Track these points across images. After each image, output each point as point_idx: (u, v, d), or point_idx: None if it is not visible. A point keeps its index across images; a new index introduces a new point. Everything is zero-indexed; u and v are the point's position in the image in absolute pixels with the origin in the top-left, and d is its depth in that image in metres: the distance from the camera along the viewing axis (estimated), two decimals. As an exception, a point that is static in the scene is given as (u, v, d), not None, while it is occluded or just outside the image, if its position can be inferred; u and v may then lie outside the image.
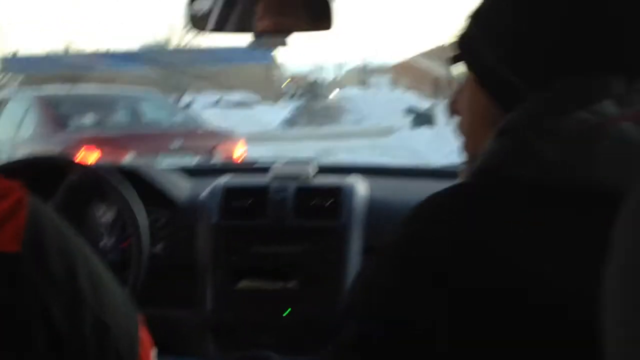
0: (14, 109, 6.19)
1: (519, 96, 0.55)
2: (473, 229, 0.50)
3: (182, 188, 1.64)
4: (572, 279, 0.47)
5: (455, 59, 0.65)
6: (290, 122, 18.66)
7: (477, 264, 0.48)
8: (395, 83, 27.30)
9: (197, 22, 1.35)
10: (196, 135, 6.25)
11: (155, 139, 5.87)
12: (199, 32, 1.40)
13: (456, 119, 0.68)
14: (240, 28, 1.38)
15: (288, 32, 1.37)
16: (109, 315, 0.53)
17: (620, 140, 0.50)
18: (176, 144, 5.74)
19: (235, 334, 1.43)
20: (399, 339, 0.49)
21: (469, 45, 0.61)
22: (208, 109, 17.32)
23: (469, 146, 0.65)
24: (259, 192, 1.54)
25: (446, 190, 0.56)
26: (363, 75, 31.41)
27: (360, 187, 1.57)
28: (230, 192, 1.55)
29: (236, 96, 21.13)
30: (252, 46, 1.36)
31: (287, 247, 1.47)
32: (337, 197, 1.51)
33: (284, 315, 1.42)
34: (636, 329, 0.29)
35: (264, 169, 1.75)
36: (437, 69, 20.19)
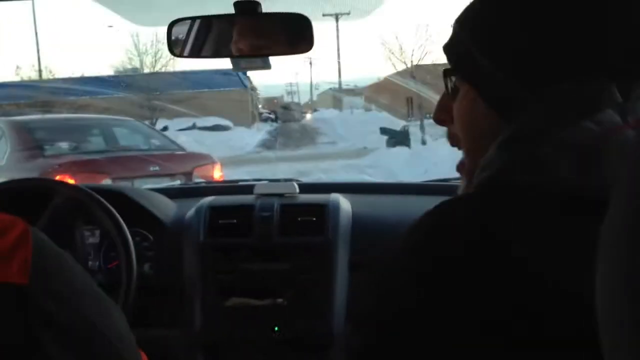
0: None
1: (519, 104, 0.55)
2: (490, 236, 0.50)
3: (167, 208, 1.65)
4: (587, 286, 0.46)
5: (450, 70, 0.64)
6: (266, 144, 18.68)
7: (492, 271, 0.48)
8: (369, 104, 27.53)
9: (176, 47, 1.38)
10: (174, 158, 6.22)
11: (132, 162, 5.83)
12: (177, 57, 1.43)
13: (447, 129, 0.67)
14: (218, 52, 1.41)
15: (266, 54, 1.41)
16: (115, 338, 0.55)
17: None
18: (154, 167, 5.72)
19: (226, 351, 1.43)
20: (413, 347, 0.49)
21: (464, 53, 0.60)
22: (183, 133, 17.29)
23: (468, 156, 0.64)
24: (245, 210, 1.56)
25: (457, 199, 0.56)
26: (337, 96, 31.63)
27: (344, 203, 1.60)
28: (215, 211, 1.57)
29: (210, 121, 21.12)
30: (233, 69, 1.39)
31: (275, 264, 1.48)
32: (322, 213, 1.54)
33: (274, 331, 1.43)
34: (629, 332, 0.29)
35: (247, 188, 1.77)
36: (410, 88, 20.40)
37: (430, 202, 0.57)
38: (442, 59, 0.66)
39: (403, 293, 0.52)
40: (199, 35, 1.37)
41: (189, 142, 12.93)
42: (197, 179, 5.76)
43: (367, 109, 25.62)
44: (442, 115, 0.67)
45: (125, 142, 6.85)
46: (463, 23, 0.61)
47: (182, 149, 6.85)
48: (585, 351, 0.45)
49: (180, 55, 1.35)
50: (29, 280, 0.48)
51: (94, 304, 0.55)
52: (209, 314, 1.46)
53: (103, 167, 5.57)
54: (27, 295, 0.48)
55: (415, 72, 20.55)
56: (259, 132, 21.16)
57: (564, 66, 0.55)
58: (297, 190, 1.65)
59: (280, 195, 1.62)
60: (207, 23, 1.38)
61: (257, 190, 1.64)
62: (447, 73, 0.65)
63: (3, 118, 6.93)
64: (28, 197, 1.41)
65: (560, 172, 0.51)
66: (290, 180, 1.87)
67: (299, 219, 1.54)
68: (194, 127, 20.22)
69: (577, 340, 0.45)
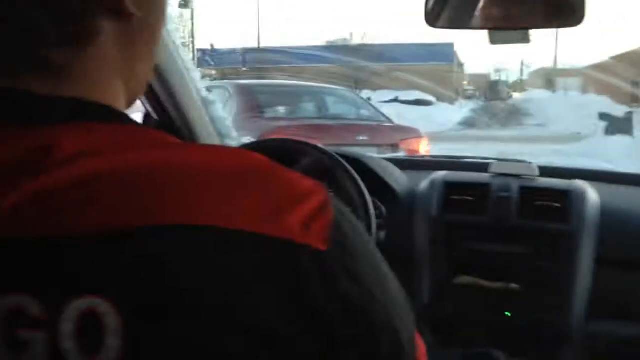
0: (214, 97, 6.71)
1: None
2: None
3: (400, 179, 1.66)
4: None
5: None
6: (468, 122, 18.21)
7: None
8: (586, 86, 25.47)
9: (430, 17, 1.35)
10: (381, 129, 6.32)
11: (341, 130, 6.02)
12: (433, 28, 1.40)
13: None
14: (473, 24, 1.36)
15: (524, 27, 1.32)
16: (397, 319, 0.51)
17: None
18: (362, 137, 5.85)
19: (453, 329, 1.41)
20: None
21: None
22: (385, 105, 17.50)
23: None
24: (481, 189, 1.51)
25: None
26: (550, 77, 29.68)
27: (590, 191, 1.48)
28: (450, 187, 1.54)
29: (413, 95, 21.08)
30: (490, 42, 1.33)
31: (510, 247, 1.42)
32: (566, 199, 1.44)
33: (505, 315, 1.38)
34: None
35: (477, 166, 1.71)
36: (634, 73, 18.46)
37: None
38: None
39: None
40: (456, 6, 1.33)
41: (390, 115, 13.03)
42: (402, 152, 5.79)
43: (584, 92, 23.72)
44: None
45: (335, 111, 7.10)
46: None
47: (389, 120, 6.92)
48: None
49: (434, 26, 1.32)
50: (328, 247, 0.46)
51: (384, 287, 0.52)
52: (437, 289, 1.45)
53: (314, 132, 5.81)
54: (324, 262, 0.46)
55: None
56: (462, 109, 20.66)
57: None
58: (537, 172, 1.56)
59: (518, 177, 1.55)
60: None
61: (493, 169, 1.58)
62: None
63: (230, 81, 7.56)
64: (278, 156, 1.50)
65: None
66: (523, 161, 1.77)
67: (539, 203, 1.45)
68: (396, 100, 20.35)
69: None
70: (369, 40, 24.51)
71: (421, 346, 0.63)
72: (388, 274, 0.56)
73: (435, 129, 15.41)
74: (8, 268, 0.42)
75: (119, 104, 0.54)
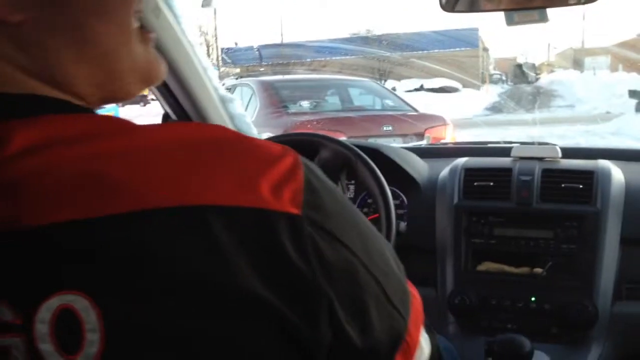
0: (238, 95, 6.74)
1: None
2: None
3: (420, 167, 1.65)
4: None
5: None
6: (496, 107, 17.96)
7: None
8: (615, 65, 24.89)
9: (448, 5, 1.33)
10: (406, 118, 6.28)
11: (366, 122, 6.00)
12: (449, 13, 1.38)
13: None
14: (489, 6, 1.34)
15: (539, 6, 1.30)
16: (380, 272, 0.52)
17: None
18: (387, 127, 5.83)
19: (477, 316, 1.40)
20: None
21: None
22: (410, 94, 17.34)
23: None
24: (502, 173, 1.49)
25: None
26: (578, 57, 29.11)
27: (615, 171, 1.45)
28: (471, 173, 1.53)
29: (438, 82, 20.85)
30: (507, 23, 1.31)
31: (534, 231, 1.41)
32: (590, 180, 1.41)
33: (530, 301, 1.36)
34: None
35: (500, 150, 1.69)
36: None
37: None
38: None
39: None
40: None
41: (416, 103, 12.88)
42: (428, 141, 5.74)
43: (613, 70, 23.19)
44: None
45: (359, 102, 7.08)
46: None
47: (414, 109, 6.88)
48: None
49: (452, 11, 1.31)
50: (301, 211, 0.46)
51: (364, 242, 0.52)
52: (461, 276, 1.44)
53: (339, 125, 5.80)
54: (298, 226, 0.46)
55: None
56: (489, 95, 20.39)
57: None
58: (560, 154, 1.53)
59: (541, 159, 1.53)
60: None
61: (515, 153, 1.56)
62: None
63: (253, 79, 7.59)
64: (298, 150, 1.50)
65: None
66: (546, 143, 1.75)
67: (563, 185, 1.43)
68: (421, 88, 20.18)
69: None
70: (390, 31, 24.36)
71: (416, 295, 0.62)
72: (369, 228, 0.55)
73: (463, 115, 15.22)
74: None
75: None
